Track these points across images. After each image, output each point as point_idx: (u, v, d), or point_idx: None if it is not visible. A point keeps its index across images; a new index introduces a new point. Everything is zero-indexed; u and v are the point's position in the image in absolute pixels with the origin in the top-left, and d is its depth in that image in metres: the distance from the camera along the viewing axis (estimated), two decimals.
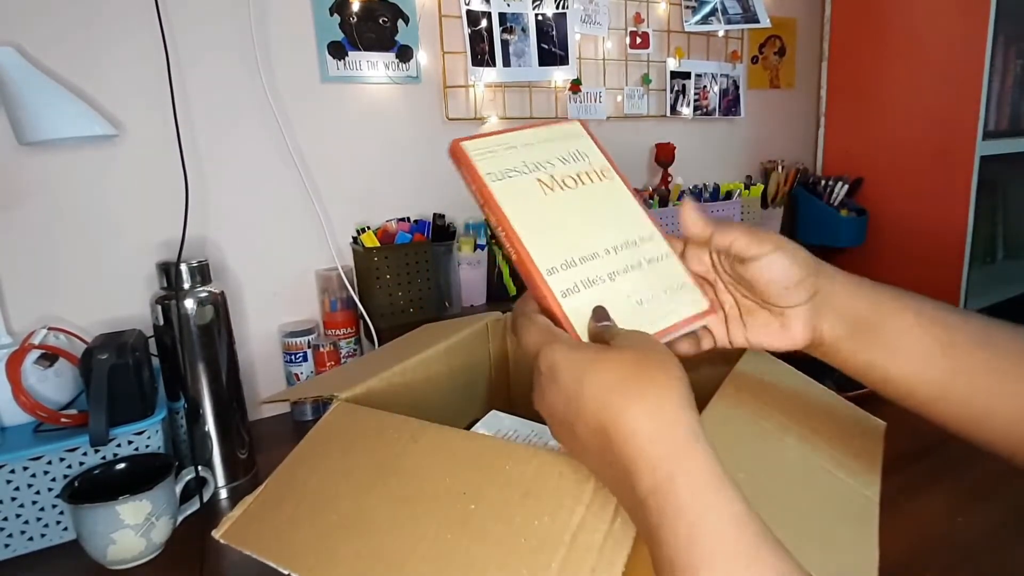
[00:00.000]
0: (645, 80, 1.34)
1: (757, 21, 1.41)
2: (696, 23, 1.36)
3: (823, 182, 1.50)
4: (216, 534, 0.43)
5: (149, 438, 0.71)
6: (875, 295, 0.41)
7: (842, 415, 0.50)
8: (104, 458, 0.68)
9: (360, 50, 1.03)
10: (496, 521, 0.35)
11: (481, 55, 1.12)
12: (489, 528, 0.35)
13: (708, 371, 0.47)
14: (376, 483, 0.41)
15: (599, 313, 0.37)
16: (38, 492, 0.66)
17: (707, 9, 1.37)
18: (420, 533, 0.37)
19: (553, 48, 1.19)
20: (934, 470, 0.69)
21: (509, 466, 0.37)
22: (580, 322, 0.37)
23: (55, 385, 0.72)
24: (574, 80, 1.22)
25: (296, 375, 0.99)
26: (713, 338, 0.44)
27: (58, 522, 0.68)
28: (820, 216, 1.49)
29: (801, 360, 0.47)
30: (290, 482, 0.45)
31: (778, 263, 0.40)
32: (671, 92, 1.38)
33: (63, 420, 0.70)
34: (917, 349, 0.40)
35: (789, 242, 0.41)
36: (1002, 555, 0.59)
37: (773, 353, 0.46)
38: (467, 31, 1.10)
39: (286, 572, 0.38)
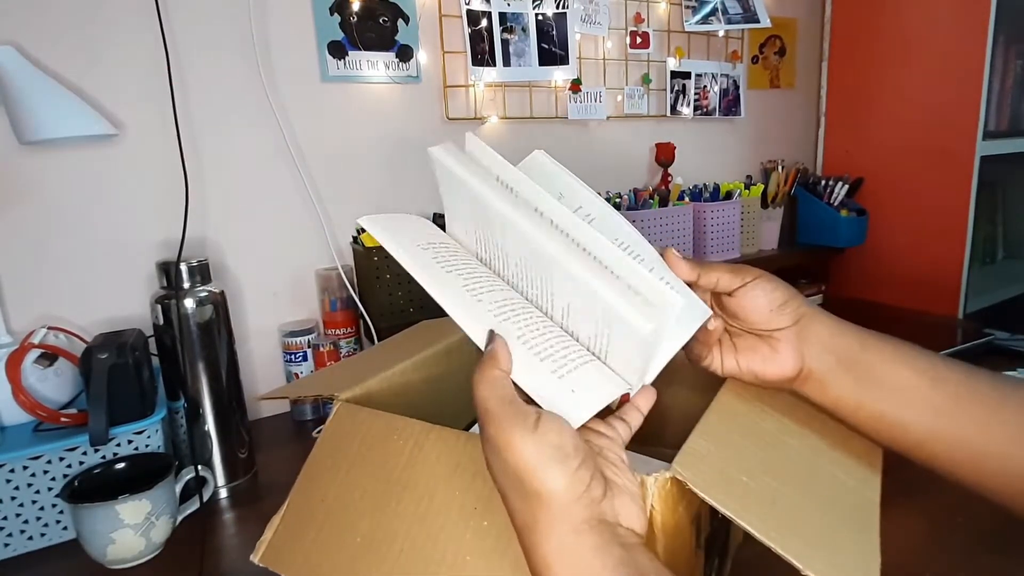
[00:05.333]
0: (645, 80, 1.34)
1: (757, 21, 1.41)
2: (696, 23, 1.36)
3: (823, 182, 1.50)
4: (254, 558, 0.44)
5: (149, 437, 0.71)
6: (859, 332, 0.43)
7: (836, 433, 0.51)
8: (104, 457, 0.68)
9: (360, 50, 1.02)
10: (510, 539, 0.35)
11: (481, 55, 1.12)
12: (504, 548, 0.36)
13: (705, 378, 0.47)
14: (390, 499, 0.41)
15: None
16: (38, 491, 0.66)
17: (707, 9, 1.37)
18: (440, 556, 0.37)
19: (553, 48, 1.19)
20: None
21: None
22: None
23: (55, 384, 0.72)
24: (574, 80, 1.22)
25: (296, 374, 0.99)
26: (711, 360, 0.46)
27: (58, 521, 0.68)
28: (820, 216, 1.49)
29: None
30: (309, 499, 0.45)
31: (760, 287, 0.43)
32: (671, 92, 1.38)
33: (63, 419, 0.70)
34: (905, 384, 0.41)
35: (770, 274, 0.44)
36: (1003, 556, 0.59)
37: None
38: (467, 31, 1.10)
39: None
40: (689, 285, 0.44)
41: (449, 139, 0.42)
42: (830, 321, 0.43)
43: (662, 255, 0.44)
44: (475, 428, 0.53)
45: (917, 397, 0.40)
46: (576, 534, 0.31)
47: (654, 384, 0.42)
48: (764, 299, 0.43)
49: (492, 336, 0.37)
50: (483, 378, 0.35)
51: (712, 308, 0.46)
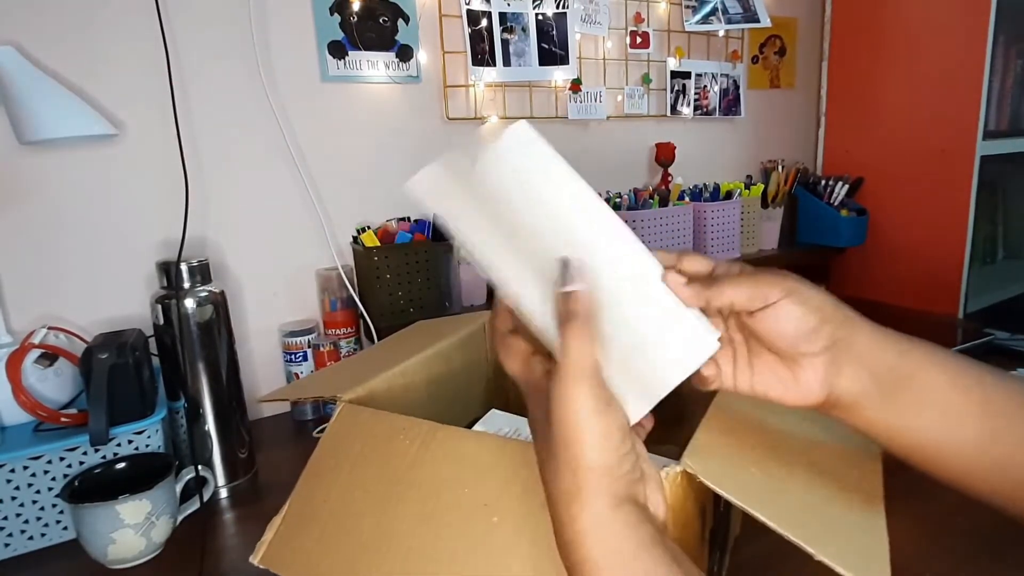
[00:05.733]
0: (645, 80, 1.34)
1: (757, 20, 1.40)
2: (696, 23, 1.36)
3: (823, 182, 1.50)
4: (254, 559, 0.44)
5: (149, 437, 0.71)
6: (903, 346, 0.36)
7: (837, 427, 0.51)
8: (104, 457, 0.68)
9: (360, 50, 1.02)
10: (520, 535, 0.35)
11: (481, 55, 1.12)
12: (515, 543, 0.35)
13: None
14: (395, 498, 0.41)
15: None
16: (38, 491, 0.66)
17: (707, 8, 1.37)
18: (449, 553, 0.37)
19: (553, 48, 1.19)
20: None
21: (524, 472, 0.37)
22: None
23: (55, 384, 0.72)
24: (574, 80, 1.22)
25: (296, 374, 0.99)
26: (721, 378, 0.39)
27: (58, 521, 0.68)
28: (820, 216, 1.49)
29: None
30: (311, 500, 0.45)
31: (787, 312, 0.35)
32: (671, 92, 1.38)
33: (63, 419, 0.70)
34: (951, 408, 0.35)
35: (802, 284, 0.36)
36: (1002, 557, 0.59)
37: None
38: (467, 30, 1.10)
39: None
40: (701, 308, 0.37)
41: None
42: (871, 335, 0.36)
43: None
44: (479, 425, 0.53)
45: (961, 423, 0.35)
46: (613, 509, 0.32)
47: None
48: (790, 325, 0.35)
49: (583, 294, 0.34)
50: (584, 336, 0.33)
51: (726, 322, 0.39)
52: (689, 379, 0.37)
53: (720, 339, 0.36)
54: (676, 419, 0.49)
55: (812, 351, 0.36)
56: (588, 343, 0.33)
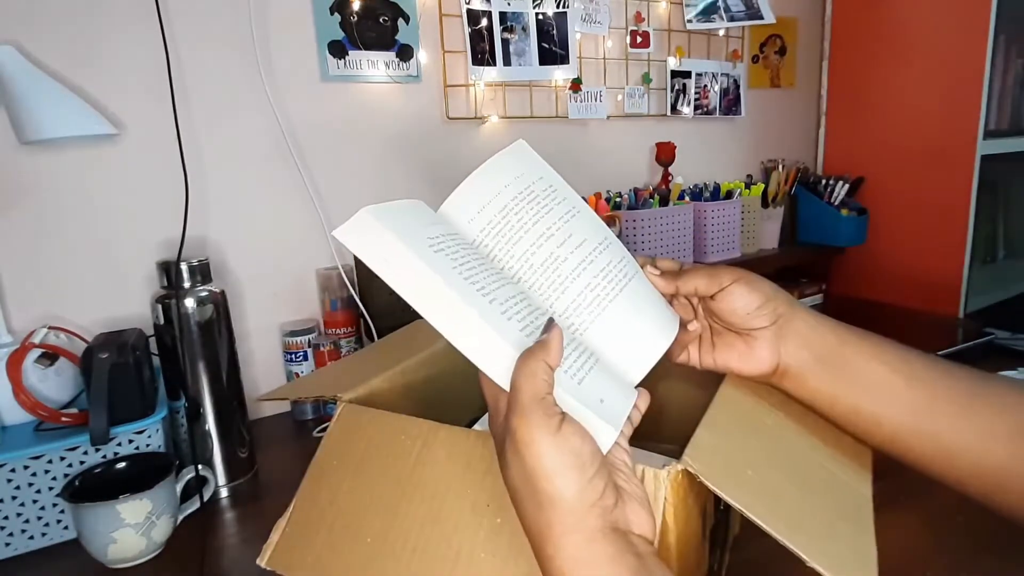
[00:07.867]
0: (646, 79, 1.34)
1: (761, 18, 1.40)
2: (697, 20, 1.36)
3: (823, 181, 1.50)
4: (261, 562, 0.44)
5: (149, 437, 0.71)
6: (838, 329, 0.44)
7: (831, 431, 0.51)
8: (105, 457, 0.68)
9: (360, 49, 1.02)
10: (523, 535, 0.35)
11: (481, 54, 1.12)
12: (519, 543, 0.35)
13: (699, 372, 0.48)
14: (401, 499, 0.41)
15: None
16: (39, 491, 0.66)
17: (706, 2, 1.36)
18: (454, 554, 0.37)
19: (554, 47, 1.19)
20: None
21: None
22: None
23: (56, 384, 0.72)
24: (575, 79, 1.22)
25: (296, 374, 0.99)
26: (688, 355, 0.48)
27: (59, 521, 0.68)
28: (820, 215, 1.49)
29: None
30: (316, 502, 0.45)
31: (737, 292, 0.44)
32: (672, 91, 1.38)
33: (64, 419, 0.70)
34: (882, 382, 0.41)
35: (749, 274, 0.45)
36: (1004, 555, 0.59)
37: None
38: (467, 30, 1.10)
39: None
40: (672, 296, 0.47)
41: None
42: (809, 318, 0.44)
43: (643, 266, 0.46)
44: (477, 425, 0.53)
45: (891, 394, 0.41)
46: (590, 543, 0.31)
47: (647, 377, 0.42)
48: (741, 302, 0.44)
49: (550, 325, 0.36)
50: (526, 367, 0.33)
51: (696, 309, 0.48)
52: (667, 353, 0.44)
53: (690, 321, 0.46)
54: (676, 417, 0.49)
55: (762, 325, 0.44)
56: (532, 371, 0.33)
